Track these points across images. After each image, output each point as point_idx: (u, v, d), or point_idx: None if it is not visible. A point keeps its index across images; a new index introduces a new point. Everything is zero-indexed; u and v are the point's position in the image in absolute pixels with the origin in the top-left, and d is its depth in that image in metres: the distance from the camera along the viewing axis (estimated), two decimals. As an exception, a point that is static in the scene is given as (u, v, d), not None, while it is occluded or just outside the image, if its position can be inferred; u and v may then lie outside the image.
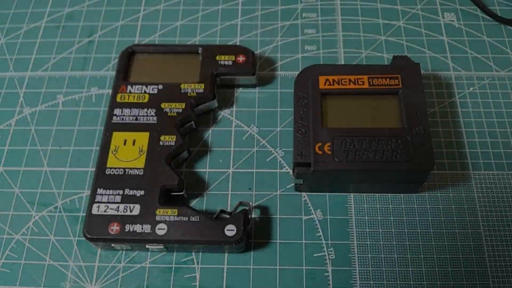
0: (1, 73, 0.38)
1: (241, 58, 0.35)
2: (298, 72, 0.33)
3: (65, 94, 0.37)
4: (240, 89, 0.36)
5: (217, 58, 0.35)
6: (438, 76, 0.36)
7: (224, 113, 0.35)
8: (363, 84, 0.32)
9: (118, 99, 0.34)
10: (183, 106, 0.33)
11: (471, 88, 0.36)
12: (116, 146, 0.32)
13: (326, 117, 0.31)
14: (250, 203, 0.31)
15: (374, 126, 0.30)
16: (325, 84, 0.32)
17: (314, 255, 0.30)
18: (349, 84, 0.32)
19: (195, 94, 0.34)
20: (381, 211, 0.31)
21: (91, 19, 0.40)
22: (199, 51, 0.35)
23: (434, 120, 0.34)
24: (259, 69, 0.37)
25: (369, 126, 0.30)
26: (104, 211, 0.30)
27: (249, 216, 0.30)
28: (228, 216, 0.31)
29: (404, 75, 0.32)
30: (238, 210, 0.30)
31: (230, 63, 0.35)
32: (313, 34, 0.39)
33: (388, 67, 0.32)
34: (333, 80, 0.32)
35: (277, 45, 0.38)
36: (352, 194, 0.32)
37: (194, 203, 0.32)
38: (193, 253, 0.31)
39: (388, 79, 0.32)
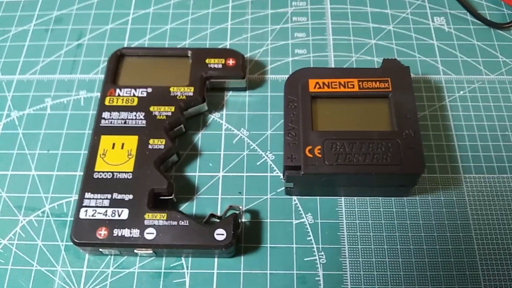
0: (-12, 76, 0.38)
1: (231, 62, 0.35)
2: (288, 76, 0.33)
3: (54, 98, 0.36)
4: (230, 93, 0.36)
5: (207, 61, 0.35)
6: (428, 79, 0.36)
7: (214, 116, 0.35)
8: (353, 87, 0.31)
9: (106, 102, 0.33)
10: (173, 110, 0.33)
11: (461, 92, 0.36)
12: (104, 150, 0.32)
13: (316, 120, 0.31)
14: (240, 207, 0.31)
15: (364, 129, 0.30)
16: (315, 87, 0.31)
17: (305, 259, 0.30)
18: (339, 87, 0.31)
19: (184, 97, 0.33)
20: (372, 214, 0.31)
21: (80, 22, 0.40)
22: (189, 55, 0.35)
23: (424, 123, 0.34)
24: (249, 73, 0.37)
25: (359, 129, 0.30)
26: (92, 216, 0.30)
27: (239, 220, 0.30)
28: (218, 220, 0.30)
29: (394, 79, 0.32)
30: (228, 214, 0.30)
31: (220, 66, 0.35)
32: (303, 38, 0.38)
33: (378, 70, 0.32)
34: (323, 83, 0.32)
35: (267, 49, 0.38)
36: (342, 198, 0.32)
37: (183, 207, 0.32)
38: (182, 258, 0.30)
39: (378, 82, 0.32)
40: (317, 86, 0.31)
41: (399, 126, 0.30)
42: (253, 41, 0.38)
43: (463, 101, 0.36)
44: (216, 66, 0.35)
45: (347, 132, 0.30)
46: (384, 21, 0.39)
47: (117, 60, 0.35)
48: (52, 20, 0.40)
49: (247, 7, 0.40)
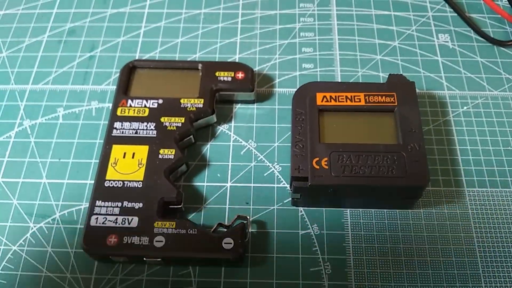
0: (2, 85, 0.38)
1: (240, 75, 0.35)
2: (295, 89, 0.33)
3: (66, 107, 0.37)
4: (239, 105, 0.37)
5: (217, 74, 0.35)
6: (432, 95, 0.37)
7: (223, 128, 0.36)
8: (360, 101, 0.32)
9: (118, 113, 0.34)
10: (183, 121, 0.34)
11: (465, 107, 0.37)
12: (115, 159, 0.32)
13: (323, 132, 0.31)
14: (248, 217, 0.31)
15: (370, 142, 0.31)
16: (322, 101, 0.32)
17: (311, 269, 0.30)
18: (346, 101, 0.32)
19: (194, 109, 0.34)
20: (377, 226, 0.32)
21: (93, 35, 0.41)
22: (199, 67, 0.36)
23: (428, 137, 0.35)
24: (257, 86, 0.38)
25: (365, 142, 0.31)
26: (102, 223, 0.30)
27: (247, 229, 0.31)
28: (225, 230, 0.31)
29: (400, 93, 0.32)
30: (236, 224, 0.31)
31: (229, 79, 0.35)
32: (311, 53, 0.39)
33: (384, 85, 0.33)
34: (330, 97, 0.32)
35: (275, 63, 0.39)
36: (348, 209, 0.32)
37: (192, 216, 0.32)
38: (190, 266, 0.31)
39: (384, 97, 0.32)
40: (325, 99, 0.32)
41: (404, 140, 0.31)
42: (261, 55, 0.39)
43: (467, 116, 0.36)
44: (225, 78, 0.35)
45: (354, 144, 0.31)
46: (389, 37, 0.40)
47: (129, 71, 0.36)
48: (66, 32, 0.41)
49: (256, 22, 0.41)
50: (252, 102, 0.37)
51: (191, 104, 0.34)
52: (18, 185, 0.34)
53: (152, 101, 0.35)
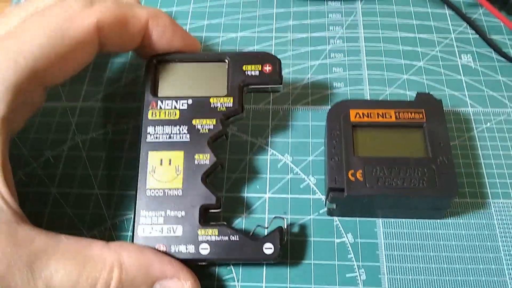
0: (54, 103, 0.41)
1: (267, 68, 0.35)
2: (327, 106, 0.36)
3: (114, 124, 0.40)
4: (275, 121, 0.39)
5: (244, 68, 0.35)
6: (457, 112, 0.39)
7: (260, 143, 0.38)
8: (391, 117, 0.34)
9: (150, 116, 0.34)
10: (214, 122, 0.34)
11: (488, 123, 0.39)
12: (153, 167, 0.33)
13: (357, 146, 0.34)
14: (285, 217, 0.34)
15: (401, 156, 0.33)
16: (355, 117, 0.35)
17: (347, 275, 0.32)
18: (378, 117, 0.34)
19: (224, 108, 0.34)
20: (408, 235, 0.34)
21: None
22: (226, 60, 0.35)
23: (455, 152, 0.37)
24: (292, 103, 0.40)
25: (396, 155, 0.33)
26: (149, 233, 0.31)
27: (284, 232, 0.32)
28: (265, 228, 0.34)
29: (428, 111, 0.34)
30: (272, 223, 0.33)
31: (257, 73, 0.35)
32: (340, 72, 0.42)
33: (412, 102, 0.35)
34: (363, 114, 0.35)
35: (308, 82, 0.41)
36: (380, 219, 0.35)
37: (234, 224, 0.35)
38: (233, 270, 0.33)
39: (413, 113, 0.34)
40: (358, 116, 0.35)
41: (433, 153, 0.33)
42: (294, 75, 0.42)
43: (490, 132, 0.38)
44: (253, 73, 0.35)
45: (386, 158, 0.33)
46: (415, 58, 0.43)
47: (155, 68, 0.35)
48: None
49: (288, 44, 0.44)
50: (278, 91, 0.37)
51: (221, 103, 0.34)
52: (72, 195, 0.36)
53: (181, 101, 0.34)
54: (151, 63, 0.35)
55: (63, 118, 0.40)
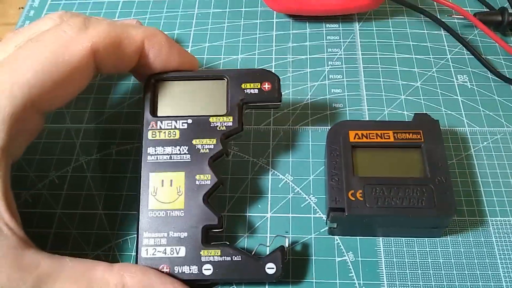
0: (58, 125, 0.42)
1: (266, 86, 0.35)
2: (327, 127, 0.36)
3: (118, 145, 0.40)
4: (275, 142, 0.40)
5: (243, 86, 0.35)
6: (454, 131, 0.40)
7: (261, 163, 0.39)
8: (389, 138, 0.35)
9: (150, 137, 0.34)
10: (214, 142, 0.33)
11: (485, 142, 0.40)
12: (154, 188, 0.33)
13: (357, 167, 0.34)
14: (286, 236, 0.34)
15: (400, 176, 0.34)
16: (354, 138, 0.35)
17: (348, 293, 0.33)
18: (376, 138, 0.35)
19: (224, 128, 0.34)
20: (407, 253, 0.34)
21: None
22: (224, 78, 0.35)
23: (452, 171, 0.38)
24: (292, 124, 0.41)
25: (396, 176, 0.34)
26: (153, 254, 0.32)
27: (285, 252, 0.33)
28: (267, 246, 0.34)
29: (426, 131, 0.35)
30: (274, 241, 0.34)
31: (256, 91, 0.35)
32: (340, 93, 0.43)
33: (410, 123, 0.36)
34: (362, 134, 0.35)
35: (308, 103, 0.42)
36: (381, 238, 0.35)
37: (236, 243, 0.35)
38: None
39: (411, 134, 0.35)
40: (357, 136, 0.35)
41: (431, 173, 0.33)
42: (294, 95, 0.43)
43: (487, 151, 0.39)
44: (252, 91, 0.35)
45: (385, 178, 0.33)
46: (412, 78, 0.43)
47: (153, 87, 0.35)
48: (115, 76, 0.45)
49: (288, 66, 0.45)
50: (276, 107, 0.37)
51: (221, 123, 0.34)
52: (76, 215, 0.37)
53: (181, 121, 0.34)
54: (149, 82, 0.35)
55: (67, 139, 0.41)
